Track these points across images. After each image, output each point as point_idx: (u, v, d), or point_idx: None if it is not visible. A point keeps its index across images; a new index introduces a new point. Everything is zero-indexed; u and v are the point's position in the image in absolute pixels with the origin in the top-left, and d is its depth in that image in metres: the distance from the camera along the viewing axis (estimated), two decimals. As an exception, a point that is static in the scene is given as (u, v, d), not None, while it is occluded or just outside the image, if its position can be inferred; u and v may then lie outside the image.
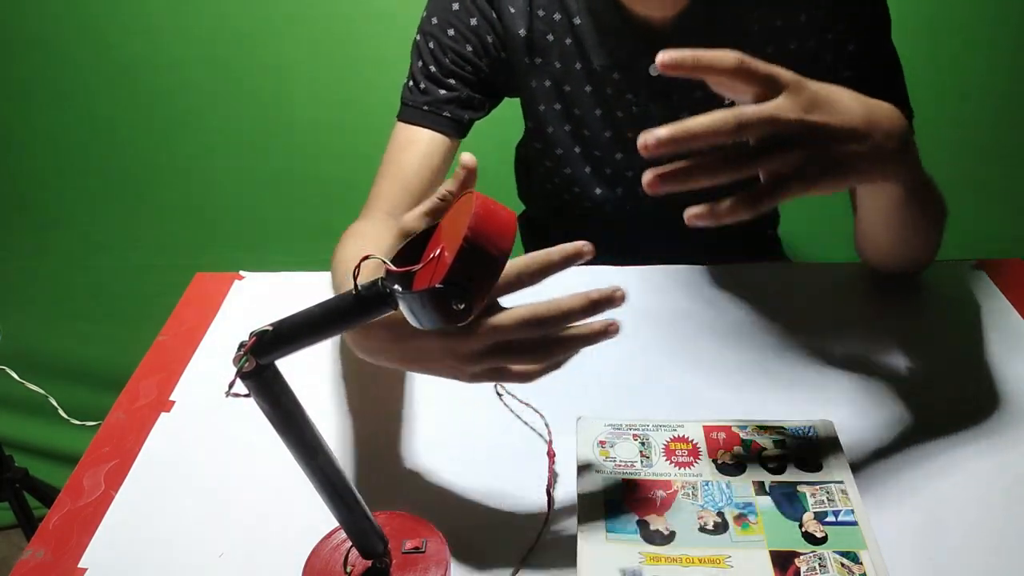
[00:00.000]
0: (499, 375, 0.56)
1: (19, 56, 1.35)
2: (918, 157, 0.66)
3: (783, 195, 0.55)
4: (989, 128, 1.41)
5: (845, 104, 0.58)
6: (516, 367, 0.55)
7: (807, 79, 0.56)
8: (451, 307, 0.43)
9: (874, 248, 0.82)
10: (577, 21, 0.83)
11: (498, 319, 0.52)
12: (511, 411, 0.72)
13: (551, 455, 0.67)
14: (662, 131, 0.51)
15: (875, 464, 0.65)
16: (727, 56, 0.53)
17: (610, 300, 0.54)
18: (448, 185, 0.53)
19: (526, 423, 0.71)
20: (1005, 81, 1.36)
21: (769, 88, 0.55)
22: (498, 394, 0.74)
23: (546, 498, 0.63)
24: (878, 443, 0.67)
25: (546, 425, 0.70)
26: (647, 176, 0.54)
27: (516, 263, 0.54)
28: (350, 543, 0.56)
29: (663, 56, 0.52)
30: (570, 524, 0.61)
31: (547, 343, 0.54)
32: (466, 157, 0.52)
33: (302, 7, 1.31)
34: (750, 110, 0.54)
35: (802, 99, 0.55)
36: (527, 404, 0.73)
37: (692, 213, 0.54)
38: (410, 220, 0.55)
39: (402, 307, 0.45)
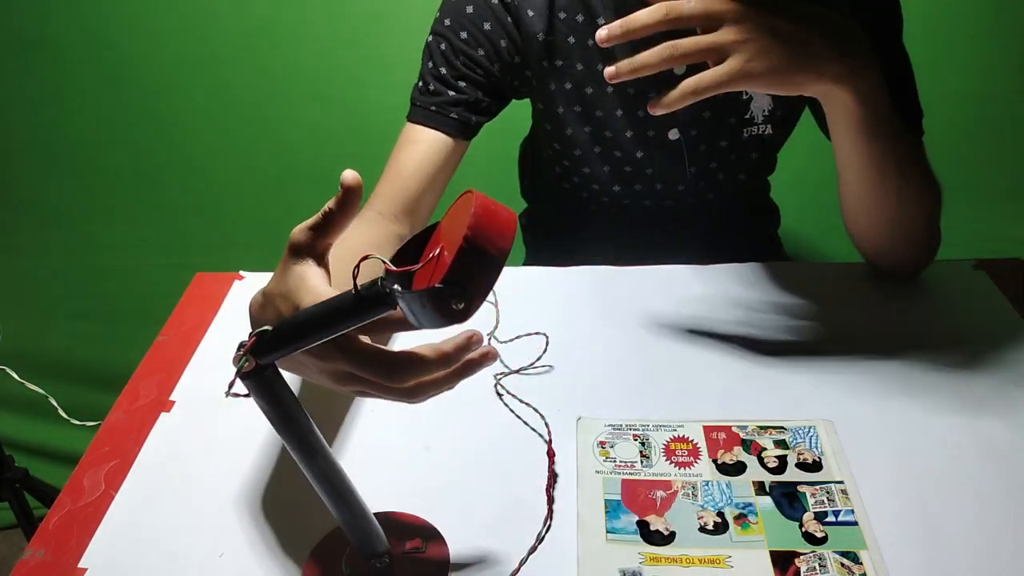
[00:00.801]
0: (372, 395, 0.53)
1: (18, 56, 1.35)
2: (878, 78, 0.69)
3: (726, 79, 0.64)
4: (989, 129, 1.41)
5: (793, 3, 0.65)
6: (383, 394, 0.52)
7: None
8: (451, 307, 0.43)
9: (855, 216, 0.82)
10: (601, 21, 0.83)
11: (345, 353, 0.50)
12: (511, 411, 0.72)
13: (551, 455, 0.67)
14: (613, 24, 0.64)
15: (875, 464, 0.65)
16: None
17: (465, 348, 0.50)
18: (330, 203, 0.51)
19: (526, 423, 0.71)
20: (1005, 81, 1.36)
21: None
22: (498, 394, 0.74)
23: (546, 498, 0.64)
24: (878, 443, 0.67)
25: (546, 425, 0.70)
26: (608, 69, 0.65)
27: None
28: (350, 543, 0.56)
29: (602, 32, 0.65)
30: (570, 524, 0.61)
31: (410, 387, 0.51)
32: (346, 175, 0.49)
33: (302, 7, 1.31)
34: (685, 3, 0.64)
35: None
36: (527, 404, 0.73)
37: (650, 102, 0.66)
38: (297, 233, 0.53)
39: (401, 307, 0.45)
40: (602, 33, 0.65)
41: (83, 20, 1.32)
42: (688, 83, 0.64)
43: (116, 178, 1.47)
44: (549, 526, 0.61)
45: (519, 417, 0.72)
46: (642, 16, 0.64)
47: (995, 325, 0.80)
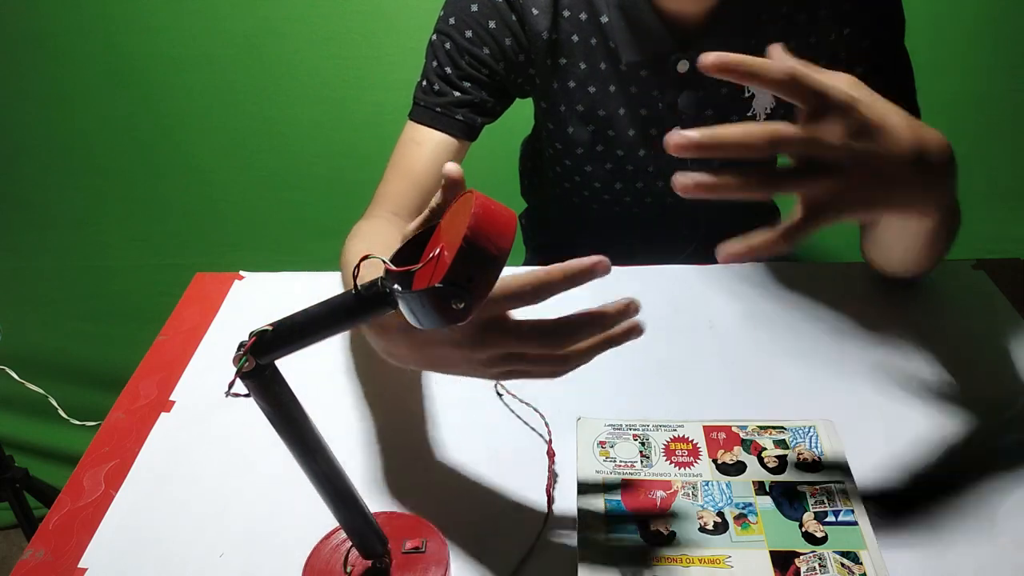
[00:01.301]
0: (521, 375, 0.56)
1: (19, 56, 1.35)
2: (956, 183, 0.61)
3: (820, 224, 0.53)
4: (989, 129, 1.41)
5: (896, 131, 0.54)
6: (535, 369, 0.55)
7: (860, 95, 0.52)
8: (451, 307, 0.43)
9: (886, 259, 0.81)
10: (604, 19, 0.83)
11: (505, 333, 0.53)
12: (511, 411, 0.72)
13: (551, 455, 0.67)
14: (693, 134, 0.50)
15: (875, 464, 0.65)
16: (777, 66, 0.50)
17: (624, 312, 0.55)
18: (436, 198, 0.52)
19: (526, 423, 0.71)
20: (1005, 82, 1.36)
21: (818, 103, 0.51)
22: (498, 394, 0.74)
23: (546, 498, 0.63)
24: (878, 443, 0.67)
25: (546, 425, 0.70)
26: (679, 179, 0.51)
27: (516, 279, 0.52)
28: (350, 543, 0.56)
29: (707, 58, 0.49)
30: (570, 524, 0.61)
31: (563, 354, 0.54)
32: (450, 168, 0.50)
33: (302, 7, 1.31)
34: (789, 131, 0.51)
35: (850, 122, 0.52)
36: (527, 404, 0.73)
37: (727, 252, 0.53)
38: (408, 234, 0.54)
39: (401, 307, 0.45)
40: (675, 141, 0.50)
41: (83, 20, 1.32)
42: (780, 239, 0.53)
43: (116, 178, 1.47)
44: (549, 527, 0.61)
45: (519, 417, 0.72)
46: (734, 135, 0.50)
47: (995, 325, 0.80)
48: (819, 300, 0.84)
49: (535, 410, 0.72)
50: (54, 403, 1.40)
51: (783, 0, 0.82)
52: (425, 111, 0.86)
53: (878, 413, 0.70)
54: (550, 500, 0.63)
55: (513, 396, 0.74)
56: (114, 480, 0.67)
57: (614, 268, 0.90)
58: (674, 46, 0.83)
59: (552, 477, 0.65)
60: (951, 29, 1.31)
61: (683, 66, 0.84)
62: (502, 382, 0.75)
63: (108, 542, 0.62)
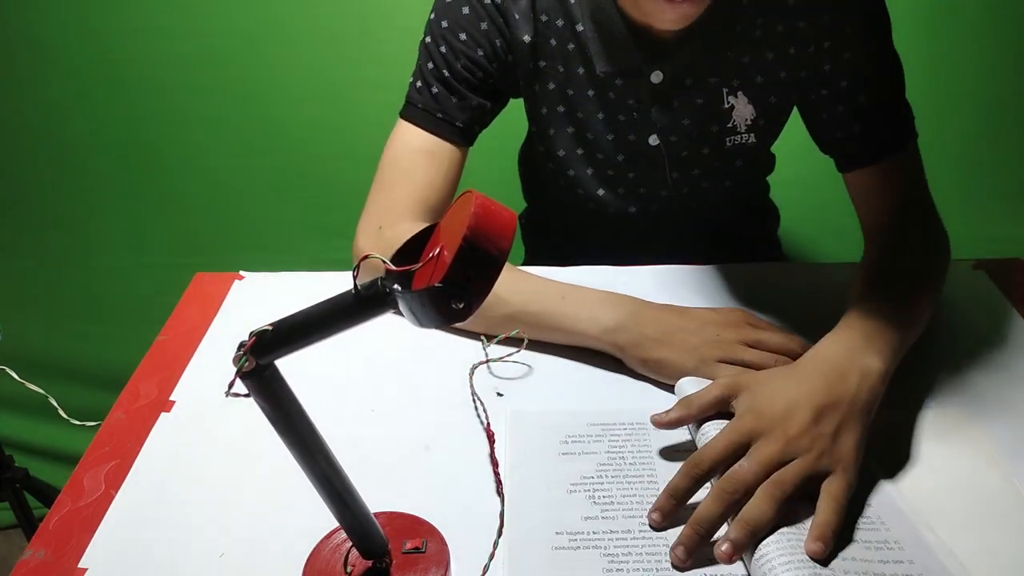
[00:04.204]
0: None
1: (19, 56, 1.35)
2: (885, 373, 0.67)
3: None
4: (989, 129, 1.41)
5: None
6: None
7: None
8: (450, 306, 0.43)
9: None
10: (580, 28, 0.83)
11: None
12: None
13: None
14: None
15: (871, 465, 0.65)
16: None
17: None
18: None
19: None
20: (1005, 82, 1.36)
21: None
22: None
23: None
24: (874, 441, 0.67)
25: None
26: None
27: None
28: (350, 543, 0.56)
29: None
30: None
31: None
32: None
33: (302, 7, 1.31)
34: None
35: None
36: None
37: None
38: None
39: (402, 307, 0.45)
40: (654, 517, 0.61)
41: (83, 20, 1.32)
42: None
43: (116, 178, 1.47)
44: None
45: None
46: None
47: (995, 325, 0.80)
48: (818, 300, 0.84)
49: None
50: (54, 403, 1.40)
51: (759, 12, 0.82)
52: (424, 115, 0.86)
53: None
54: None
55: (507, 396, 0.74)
56: (114, 480, 0.67)
57: (614, 268, 0.91)
58: (647, 58, 0.83)
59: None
60: (951, 29, 1.31)
61: (656, 77, 0.84)
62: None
63: (108, 542, 0.62)
